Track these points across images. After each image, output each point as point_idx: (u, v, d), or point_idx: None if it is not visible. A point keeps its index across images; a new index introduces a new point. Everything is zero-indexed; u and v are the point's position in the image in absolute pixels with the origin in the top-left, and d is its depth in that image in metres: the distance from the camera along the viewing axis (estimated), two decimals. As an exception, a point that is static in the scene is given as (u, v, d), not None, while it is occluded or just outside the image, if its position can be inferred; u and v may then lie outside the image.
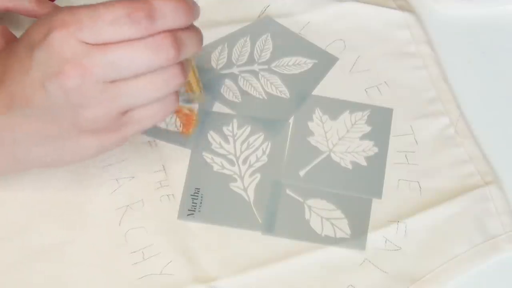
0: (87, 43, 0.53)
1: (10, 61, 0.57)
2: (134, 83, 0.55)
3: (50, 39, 0.53)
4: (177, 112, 0.70)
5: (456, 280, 0.66)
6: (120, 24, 0.53)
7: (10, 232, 0.66)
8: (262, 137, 0.70)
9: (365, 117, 0.71)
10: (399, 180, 0.69)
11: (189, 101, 0.70)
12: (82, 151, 0.59)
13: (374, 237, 0.67)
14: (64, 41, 0.53)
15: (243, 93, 0.72)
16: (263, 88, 0.72)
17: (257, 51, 0.74)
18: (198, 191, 0.68)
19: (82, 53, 0.53)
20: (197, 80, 0.67)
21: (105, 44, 0.53)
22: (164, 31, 0.54)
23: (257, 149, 0.70)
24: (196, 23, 0.57)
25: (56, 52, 0.53)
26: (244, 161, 0.69)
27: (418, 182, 0.69)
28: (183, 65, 0.57)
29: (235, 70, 0.73)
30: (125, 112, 0.57)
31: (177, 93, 0.58)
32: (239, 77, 0.73)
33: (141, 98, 0.56)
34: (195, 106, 0.70)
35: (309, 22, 0.75)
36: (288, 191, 0.68)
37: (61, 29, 0.53)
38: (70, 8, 0.54)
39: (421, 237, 0.67)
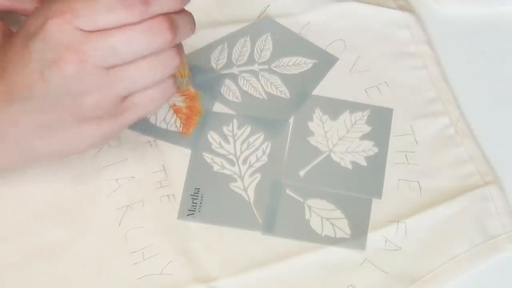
0: (84, 30, 0.54)
1: (8, 55, 0.57)
2: (132, 68, 0.56)
3: (46, 28, 0.54)
4: (177, 112, 0.70)
5: (456, 280, 0.66)
6: (115, 10, 0.53)
7: (10, 232, 0.66)
8: (262, 137, 0.70)
9: (365, 117, 0.71)
10: (399, 180, 0.69)
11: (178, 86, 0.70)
12: (84, 140, 0.59)
13: (374, 237, 0.66)
14: (60, 29, 0.54)
15: (243, 93, 0.72)
16: (263, 88, 0.72)
17: (257, 51, 0.74)
18: (198, 191, 0.68)
19: (80, 40, 0.54)
20: (185, 64, 0.67)
21: (102, 30, 0.54)
22: (159, 15, 0.55)
23: (257, 149, 0.70)
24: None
25: (53, 40, 0.54)
26: (244, 161, 0.69)
27: (418, 182, 0.69)
28: (178, 47, 0.57)
29: (235, 70, 0.73)
30: (124, 98, 0.57)
31: (174, 77, 0.59)
32: (239, 77, 0.73)
33: (139, 82, 0.57)
34: (196, 103, 0.70)
35: (309, 22, 0.75)
36: (288, 191, 0.68)
37: (57, 18, 0.54)
38: None
39: (421, 237, 0.66)
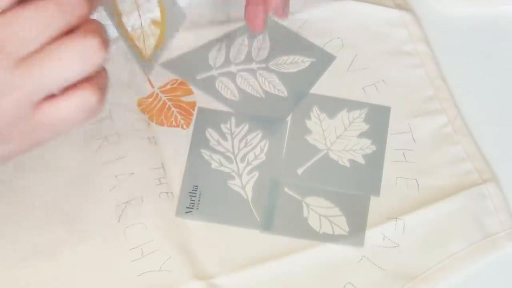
0: None
1: None
2: (48, 58, 0.47)
3: None
4: (176, 106, 0.70)
5: (454, 277, 0.66)
6: None
7: (8, 229, 0.66)
8: (260, 135, 0.70)
9: (363, 115, 0.71)
10: (397, 178, 0.69)
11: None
12: None
13: (372, 234, 0.67)
14: None
15: (241, 91, 0.72)
16: (260, 87, 0.72)
17: (254, 49, 0.74)
18: (196, 189, 0.68)
19: None
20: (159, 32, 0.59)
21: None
22: None
23: (255, 147, 0.70)
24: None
25: None
26: (242, 159, 0.69)
27: (416, 180, 0.69)
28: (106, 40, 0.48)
29: (233, 68, 0.73)
30: (38, 107, 0.48)
31: (100, 101, 0.49)
32: (237, 75, 0.73)
33: (56, 77, 0.47)
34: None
35: (306, 20, 0.75)
36: (286, 189, 0.68)
37: None
38: None
39: (419, 235, 0.67)
